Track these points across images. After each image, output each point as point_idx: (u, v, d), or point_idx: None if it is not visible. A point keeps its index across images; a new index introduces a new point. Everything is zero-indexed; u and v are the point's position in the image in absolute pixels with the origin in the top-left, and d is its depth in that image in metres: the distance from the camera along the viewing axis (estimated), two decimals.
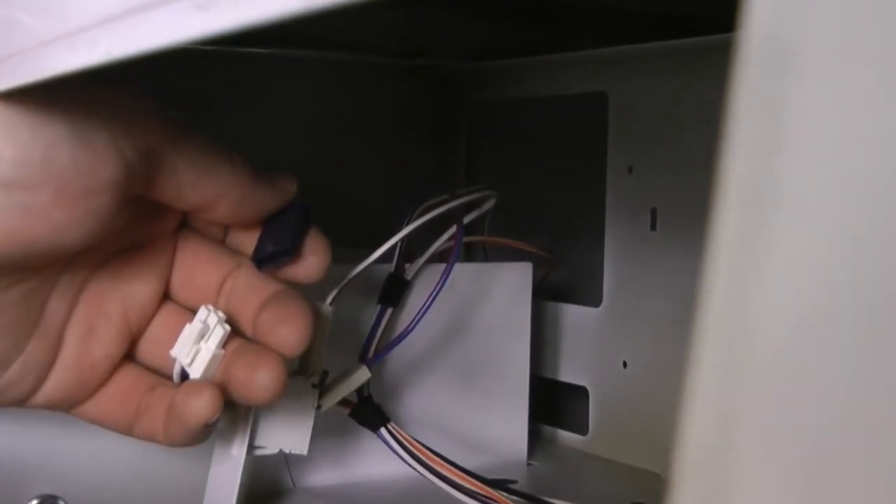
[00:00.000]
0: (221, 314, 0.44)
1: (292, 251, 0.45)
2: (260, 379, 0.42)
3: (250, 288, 0.45)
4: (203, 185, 0.42)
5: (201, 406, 0.42)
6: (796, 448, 0.19)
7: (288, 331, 0.43)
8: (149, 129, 0.40)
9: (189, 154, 0.42)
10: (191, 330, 0.44)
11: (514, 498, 0.52)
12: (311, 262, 0.46)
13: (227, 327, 0.44)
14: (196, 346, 0.44)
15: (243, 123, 0.70)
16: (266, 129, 0.71)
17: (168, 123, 0.41)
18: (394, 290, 0.55)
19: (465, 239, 0.58)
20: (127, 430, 0.46)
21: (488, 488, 0.52)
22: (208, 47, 0.68)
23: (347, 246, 0.50)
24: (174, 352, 0.44)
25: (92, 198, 0.38)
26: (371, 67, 0.75)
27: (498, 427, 0.64)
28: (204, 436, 0.44)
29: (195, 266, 0.46)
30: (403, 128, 0.77)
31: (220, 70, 0.69)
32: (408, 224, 0.55)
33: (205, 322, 0.44)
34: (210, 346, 0.43)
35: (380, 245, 0.53)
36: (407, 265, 0.57)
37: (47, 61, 0.33)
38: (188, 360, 0.44)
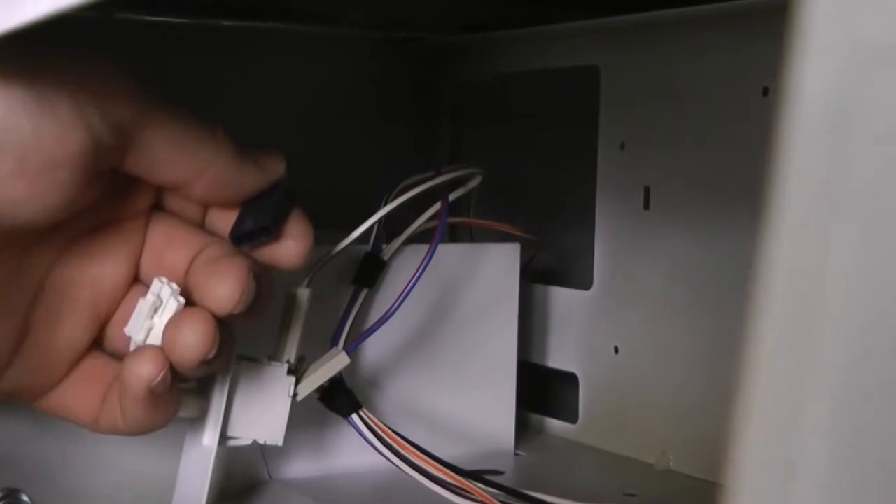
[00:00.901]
0: (175, 286, 0.41)
1: (273, 230, 0.42)
2: (182, 336, 0.40)
3: (212, 260, 0.42)
4: (181, 160, 0.40)
5: (141, 366, 0.40)
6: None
7: (215, 283, 0.40)
8: (120, 98, 0.38)
9: (166, 127, 0.39)
10: (143, 304, 0.41)
11: (491, 490, 0.49)
12: (291, 246, 0.43)
13: (182, 300, 0.41)
14: (149, 321, 0.41)
15: (215, 98, 0.67)
16: (240, 105, 0.68)
17: (143, 94, 0.39)
18: (370, 271, 0.53)
19: (449, 220, 0.56)
20: (92, 424, 0.43)
21: (464, 479, 0.49)
22: (182, 20, 0.65)
23: (324, 226, 0.47)
24: (128, 329, 0.41)
25: (56, 170, 0.36)
26: (350, 41, 0.72)
27: (484, 415, 0.62)
28: (162, 416, 0.42)
29: (166, 247, 0.43)
30: (384, 104, 0.75)
31: (194, 43, 0.66)
32: (387, 202, 0.52)
33: (158, 295, 0.41)
34: (163, 320, 0.41)
35: (359, 225, 0.51)
36: (384, 245, 0.54)
37: None
38: (142, 337, 0.41)
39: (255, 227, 0.42)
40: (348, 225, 0.53)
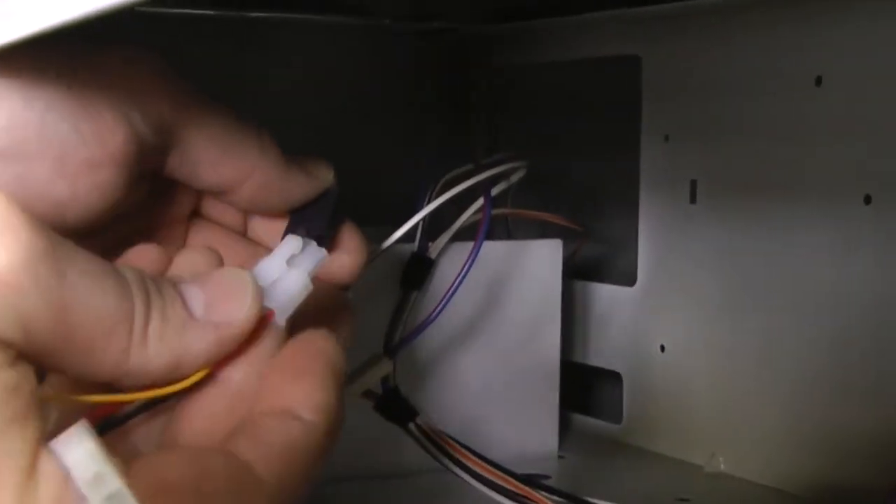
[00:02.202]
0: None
1: (327, 241, 0.40)
2: None
3: None
4: (225, 162, 0.38)
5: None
6: None
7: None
8: (161, 95, 0.36)
9: (209, 127, 0.37)
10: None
11: (554, 497, 0.47)
12: (345, 260, 0.41)
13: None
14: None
15: (244, 92, 0.66)
16: (270, 99, 0.67)
17: (186, 92, 0.37)
18: (418, 272, 0.51)
19: (493, 212, 0.54)
20: None
21: (523, 486, 0.48)
22: (210, 12, 0.64)
23: (359, 223, 0.46)
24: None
25: (98, 171, 0.34)
26: (384, 32, 0.71)
27: (526, 416, 0.61)
28: None
29: None
30: (419, 96, 0.73)
31: (221, 36, 0.65)
32: (431, 199, 0.50)
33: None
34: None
35: (393, 221, 0.49)
36: (430, 243, 0.52)
37: (27, 16, 0.28)
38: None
39: (308, 237, 0.40)
40: (383, 221, 0.51)
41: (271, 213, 0.41)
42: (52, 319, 0.26)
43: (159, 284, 0.29)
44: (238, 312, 0.30)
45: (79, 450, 0.25)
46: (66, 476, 0.25)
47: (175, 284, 0.30)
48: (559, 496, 0.48)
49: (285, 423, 0.29)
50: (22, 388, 0.25)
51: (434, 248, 0.52)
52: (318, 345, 0.32)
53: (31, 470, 0.24)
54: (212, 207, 0.41)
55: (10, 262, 0.25)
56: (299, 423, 0.29)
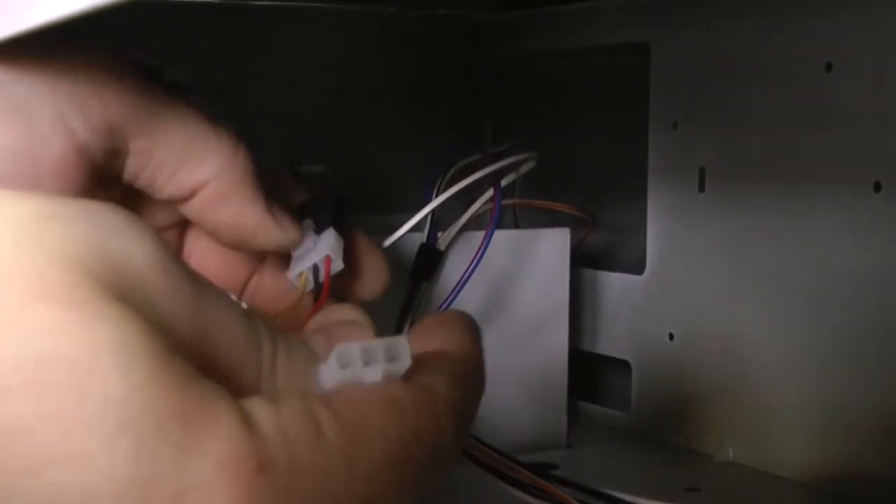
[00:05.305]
0: None
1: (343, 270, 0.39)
2: None
3: (277, 294, 0.38)
4: (182, 172, 0.35)
5: None
6: None
7: None
8: (110, 99, 0.33)
9: (165, 135, 0.34)
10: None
11: (563, 488, 0.47)
12: (365, 285, 0.39)
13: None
14: None
15: (251, 81, 0.65)
16: (277, 87, 0.66)
17: (140, 94, 0.34)
18: (428, 263, 0.51)
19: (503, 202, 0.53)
20: None
21: (531, 475, 0.47)
22: (213, 0, 0.63)
23: (366, 211, 0.45)
24: None
25: (41, 183, 0.32)
26: (392, 18, 0.70)
27: (534, 405, 0.60)
28: None
29: (206, 263, 0.38)
30: (426, 83, 0.73)
31: (226, 25, 0.65)
32: (440, 190, 0.50)
33: None
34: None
35: (401, 211, 0.49)
36: (439, 234, 0.52)
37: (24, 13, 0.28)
38: None
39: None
40: (391, 210, 0.51)
41: (217, 237, 0.37)
42: (196, 331, 0.25)
43: (281, 331, 0.28)
44: None
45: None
46: None
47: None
48: (568, 486, 0.48)
49: (443, 356, 0.29)
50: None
51: (443, 240, 0.52)
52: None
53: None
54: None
55: (153, 257, 0.24)
56: (455, 354, 0.29)
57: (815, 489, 0.53)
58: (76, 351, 0.21)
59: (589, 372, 0.67)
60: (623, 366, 0.64)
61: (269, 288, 0.39)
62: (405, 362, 0.27)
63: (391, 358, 0.27)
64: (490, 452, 0.47)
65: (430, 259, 0.51)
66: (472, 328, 0.30)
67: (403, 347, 0.27)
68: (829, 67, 0.52)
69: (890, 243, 0.50)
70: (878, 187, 0.50)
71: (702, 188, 0.59)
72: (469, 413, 0.28)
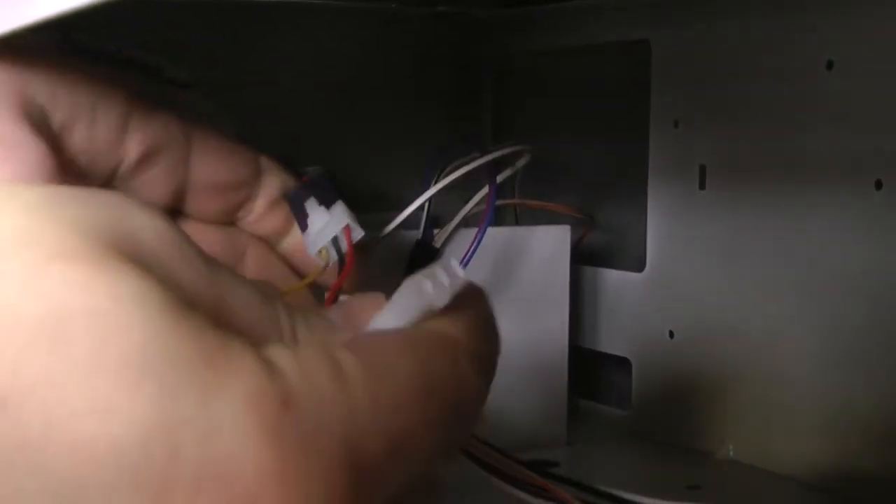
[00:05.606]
0: None
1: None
2: None
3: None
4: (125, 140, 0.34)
5: None
6: None
7: None
8: (31, 75, 0.32)
9: (87, 103, 0.33)
10: None
11: (561, 485, 0.47)
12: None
13: None
14: None
15: (250, 78, 0.65)
16: (276, 84, 0.66)
17: (64, 65, 0.33)
18: (422, 260, 0.50)
19: (497, 203, 0.53)
20: None
21: (533, 474, 0.47)
22: None
23: (363, 208, 0.45)
24: None
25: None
26: (386, 15, 0.70)
27: (534, 402, 0.60)
28: None
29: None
30: (424, 81, 0.72)
31: (224, 21, 0.64)
32: (435, 183, 0.50)
33: None
34: None
35: (398, 208, 0.48)
36: (435, 230, 0.52)
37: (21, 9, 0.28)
38: None
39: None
40: (387, 205, 0.50)
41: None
42: (213, 300, 0.25)
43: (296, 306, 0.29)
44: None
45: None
46: None
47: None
48: (566, 484, 0.48)
49: (457, 309, 0.29)
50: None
51: (439, 237, 0.52)
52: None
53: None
54: (195, 203, 0.38)
55: (165, 233, 0.24)
56: (468, 311, 0.29)
57: (815, 487, 0.53)
58: (95, 303, 0.21)
59: (589, 369, 0.67)
60: (623, 363, 0.64)
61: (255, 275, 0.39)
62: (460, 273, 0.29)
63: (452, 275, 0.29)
64: (488, 450, 0.47)
65: (424, 256, 0.51)
66: (483, 293, 0.31)
67: (455, 262, 0.29)
68: (830, 65, 0.52)
69: (890, 241, 0.50)
70: (878, 185, 0.50)
71: (702, 186, 0.59)
72: (487, 363, 0.28)
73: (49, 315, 0.21)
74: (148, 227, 0.24)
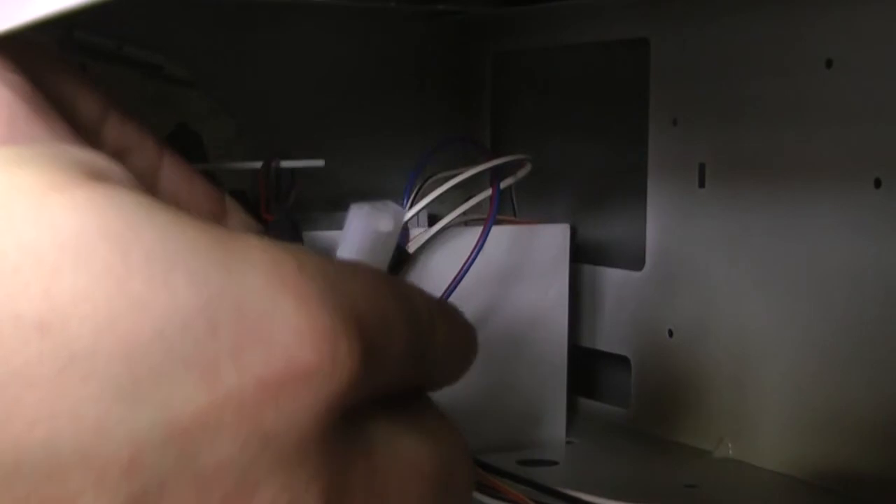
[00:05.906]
0: None
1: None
2: None
3: None
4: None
5: None
6: None
7: None
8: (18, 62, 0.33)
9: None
10: None
11: (525, 488, 0.45)
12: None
13: None
14: None
15: (249, 77, 0.65)
16: (271, 82, 0.66)
17: (52, 58, 0.34)
18: (393, 264, 0.50)
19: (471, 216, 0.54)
20: None
21: (485, 473, 0.45)
22: None
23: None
24: None
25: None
26: (383, 14, 0.70)
27: (534, 401, 0.60)
28: None
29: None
30: (422, 80, 0.72)
31: (222, 19, 0.64)
32: (415, 198, 0.50)
33: None
34: None
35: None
36: (409, 237, 0.52)
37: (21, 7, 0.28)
38: None
39: None
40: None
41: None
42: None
43: None
44: None
45: None
46: None
47: None
48: (526, 485, 0.46)
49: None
50: None
51: (413, 243, 0.52)
52: None
53: None
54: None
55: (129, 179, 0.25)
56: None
57: (814, 486, 0.53)
58: (104, 217, 0.22)
59: (588, 368, 0.67)
60: (622, 362, 0.64)
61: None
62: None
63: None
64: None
65: (396, 259, 0.51)
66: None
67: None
68: (829, 64, 0.52)
69: (890, 240, 0.50)
70: (878, 183, 0.50)
71: (702, 184, 0.59)
72: (455, 336, 0.29)
73: (65, 237, 0.22)
74: (116, 169, 0.25)
